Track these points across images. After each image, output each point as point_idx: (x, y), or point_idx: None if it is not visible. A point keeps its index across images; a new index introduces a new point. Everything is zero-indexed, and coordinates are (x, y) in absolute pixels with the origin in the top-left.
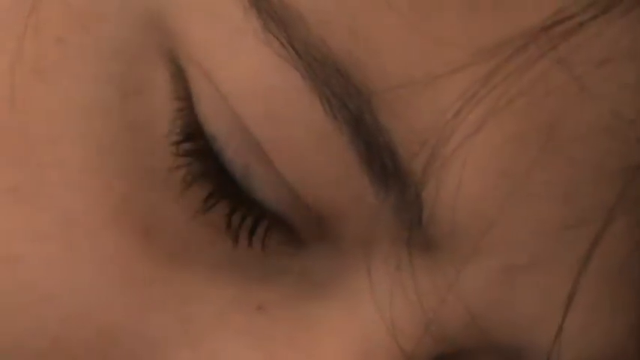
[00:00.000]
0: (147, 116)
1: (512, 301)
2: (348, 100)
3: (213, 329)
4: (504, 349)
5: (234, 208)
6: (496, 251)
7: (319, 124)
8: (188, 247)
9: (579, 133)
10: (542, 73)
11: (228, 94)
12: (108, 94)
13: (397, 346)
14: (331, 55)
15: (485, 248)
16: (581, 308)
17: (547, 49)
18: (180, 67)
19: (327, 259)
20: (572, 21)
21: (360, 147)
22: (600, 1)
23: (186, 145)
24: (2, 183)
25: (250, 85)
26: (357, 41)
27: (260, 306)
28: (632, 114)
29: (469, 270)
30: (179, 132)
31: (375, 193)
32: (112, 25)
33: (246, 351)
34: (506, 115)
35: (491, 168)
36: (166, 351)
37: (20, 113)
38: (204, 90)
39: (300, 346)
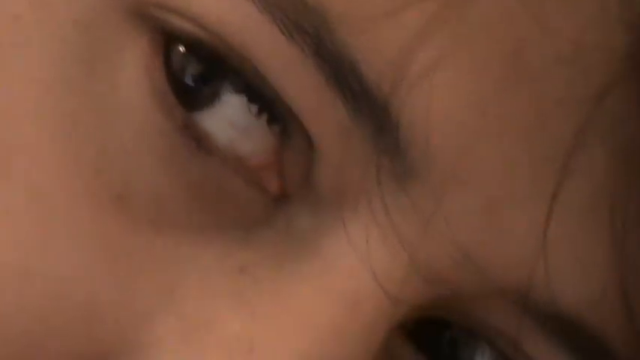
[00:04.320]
0: (116, 82)
1: (499, 236)
2: (305, 21)
3: (198, 295)
4: (506, 292)
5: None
6: (475, 182)
7: (283, 51)
8: (167, 212)
9: (540, 65)
10: (502, 5)
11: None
12: (70, 67)
13: (383, 291)
14: None
15: (463, 177)
16: (561, 243)
17: None
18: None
19: (307, 213)
20: None
21: (326, 69)
22: None
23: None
24: None
25: (214, 28)
26: None
27: (242, 267)
28: (594, 41)
29: (450, 201)
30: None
31: (349, 118)
32: None
33: (231, 313)
34: (470, 45)
35: (460, 92)
36: (152, 320)
37: None
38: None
39: (285, 305)
